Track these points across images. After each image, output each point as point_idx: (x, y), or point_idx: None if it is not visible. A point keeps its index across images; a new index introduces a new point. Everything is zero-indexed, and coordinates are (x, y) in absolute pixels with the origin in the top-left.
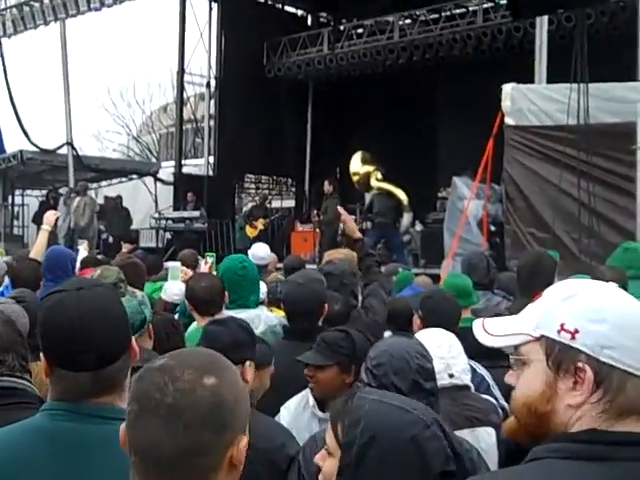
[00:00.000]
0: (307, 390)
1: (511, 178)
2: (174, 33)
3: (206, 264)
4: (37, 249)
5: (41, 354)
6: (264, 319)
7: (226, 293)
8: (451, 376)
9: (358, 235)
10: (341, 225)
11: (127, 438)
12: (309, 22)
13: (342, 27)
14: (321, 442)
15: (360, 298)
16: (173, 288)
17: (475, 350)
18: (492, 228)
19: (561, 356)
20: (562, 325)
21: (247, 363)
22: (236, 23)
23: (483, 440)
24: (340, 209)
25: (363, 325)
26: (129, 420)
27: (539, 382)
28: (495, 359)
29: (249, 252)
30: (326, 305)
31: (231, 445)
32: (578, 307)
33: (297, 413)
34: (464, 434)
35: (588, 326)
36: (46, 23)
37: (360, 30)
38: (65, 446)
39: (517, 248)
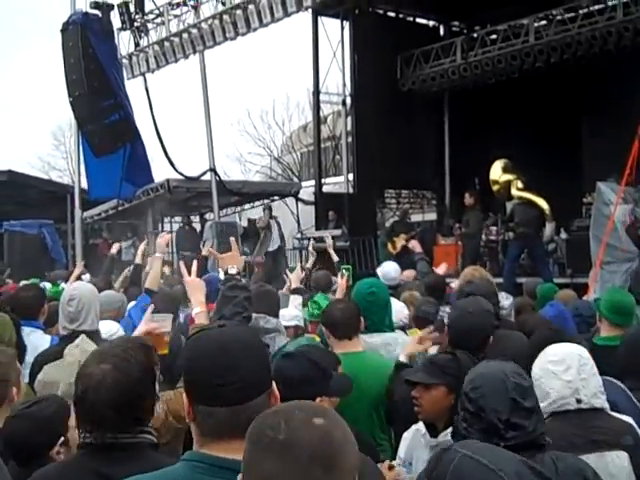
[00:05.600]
0: None
1: None
2: (308, 53)
3: (342, 277)
4: (153, 279)
5: (184, 394)
6: (401, 342)
7: (361, 318)
8: (579, 401)
9: None
10: (484, 237)
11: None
12: (441, 32)
13: (475, 35)
14: None
15: None
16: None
17: (620, 369)
18: None
19: None
20: None
21: (317, 399)
22: (368, 39)
23: (612, 464)
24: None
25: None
26: (244, 461)
27: None
28: None
29: (379, 272)
30: (491, 338)
31: None
32: None
33: (413, 443)
34: (589, 458)
35: None
36: (186, 56)
37: (494, 36)
38: None
39: None
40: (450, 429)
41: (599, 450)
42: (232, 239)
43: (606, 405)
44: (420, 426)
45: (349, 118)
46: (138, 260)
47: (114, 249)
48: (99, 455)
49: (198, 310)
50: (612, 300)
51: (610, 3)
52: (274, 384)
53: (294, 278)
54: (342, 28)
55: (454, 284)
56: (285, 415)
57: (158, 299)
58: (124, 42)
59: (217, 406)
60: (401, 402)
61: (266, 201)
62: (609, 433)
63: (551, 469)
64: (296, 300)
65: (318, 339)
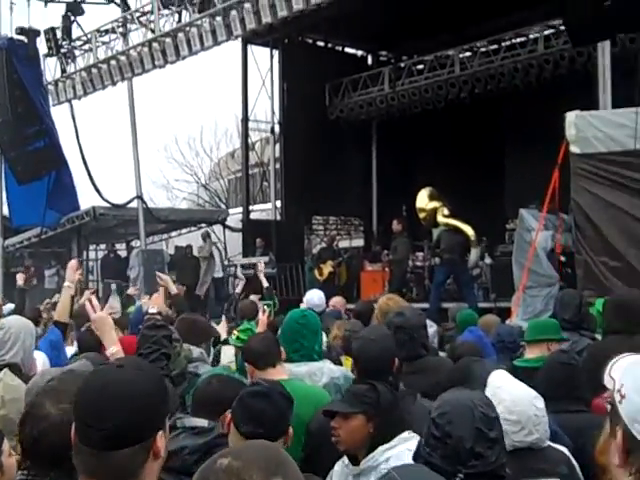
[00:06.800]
0: None
1: (579, 207)
2: (237, 80)
3: (264, 312)
4: (62, 310)
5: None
6: (327, 372)
7: (282, 349)
8: (524, 448)
9: None
10: (410, 263)
11: None
12: (369, 62)
13: (402, 64)
14: None
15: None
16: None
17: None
18: (562, 259)
19: (612, 415)
20: (622, 386)
21: (290, 431)
22: (297, 68)
23: None
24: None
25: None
26: None
27: (605, 433)
28: (561, 403)
29: (304, 299)
30: (396, 360)
31: None
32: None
33: (340, 471)
34: None
35: (633, 396)
36: (113, 83)
37: (420, 66)
38: None
39: (589, 278)
40: (371, 455)
41: (538, 477)
42: (161, 289)
43: (547, 443)
44: (344, 458)
45: (277, 145)
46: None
47: (19, 280)
48: None
49: (114, 350)
50: (531, 322)
51: (532, 36)
52: (159, 438)
53: (222, 330)
54: (271, 57)
55: None
56: (240, 476)
57: (84, 338)
58: (50, 68)
59: (85, 445)
60: (316, 432)
61: (193, 228)
62: (548, 462)
63: None
64: (229, 351)
65: (234, 367)
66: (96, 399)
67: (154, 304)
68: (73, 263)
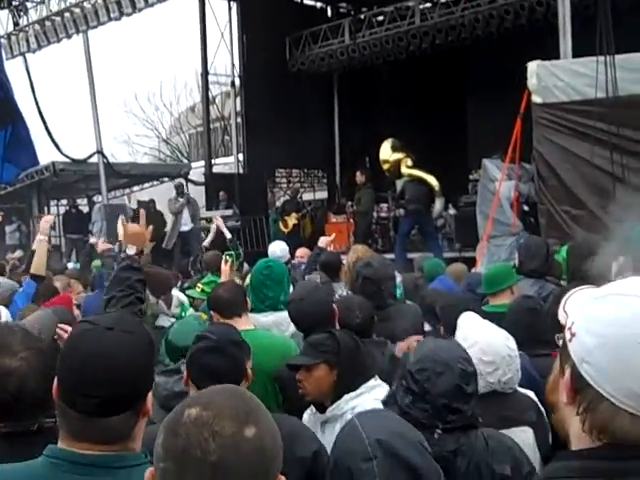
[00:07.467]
0: None
1: (542, 156)
2: (196, 34)
3: (226, 263)
4: (38, 263)
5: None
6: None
7: (247, 298)
8: (494, 391)
9: None
10: (375, 214)
11: None
12: (329, 14)
13: (362, 16)
14: None
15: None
16: None
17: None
18: (525, 208)
19: (562, 352)
20: (572, 323)
21: (249, 372)
22: (256, 20)
23: (519, 440)
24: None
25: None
26: (164, 479)
27: (555, 370)
28: (528, 348)
29: (268, 251)
30: (335, 307)
31: None
32: (591, 312)
33: (308, 419)
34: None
35: (582, 335)
36: (68, 36)
37: (380, 17)
38: None
39: (552, 227)
40: (336, 404)
41: (506, 427)
42: (142, 211)
43: (516, 387)
44: (312, 406)
45: (238, 99)
46: (35, 246)
47: None
48: (20, 441)
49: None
50: (486, 275)
51: None
52: (149, 401)
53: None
54: (229, 9)
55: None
56: (211, 428)
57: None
58: (2, 21)
59: (71, 408)
60: (287, 381)
61: (156, 182)
62: (515, 409)
63: (483, 446)
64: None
65: (205, 316)
66: (86, 367)
67: (135, 244)
68: (49, 217)
